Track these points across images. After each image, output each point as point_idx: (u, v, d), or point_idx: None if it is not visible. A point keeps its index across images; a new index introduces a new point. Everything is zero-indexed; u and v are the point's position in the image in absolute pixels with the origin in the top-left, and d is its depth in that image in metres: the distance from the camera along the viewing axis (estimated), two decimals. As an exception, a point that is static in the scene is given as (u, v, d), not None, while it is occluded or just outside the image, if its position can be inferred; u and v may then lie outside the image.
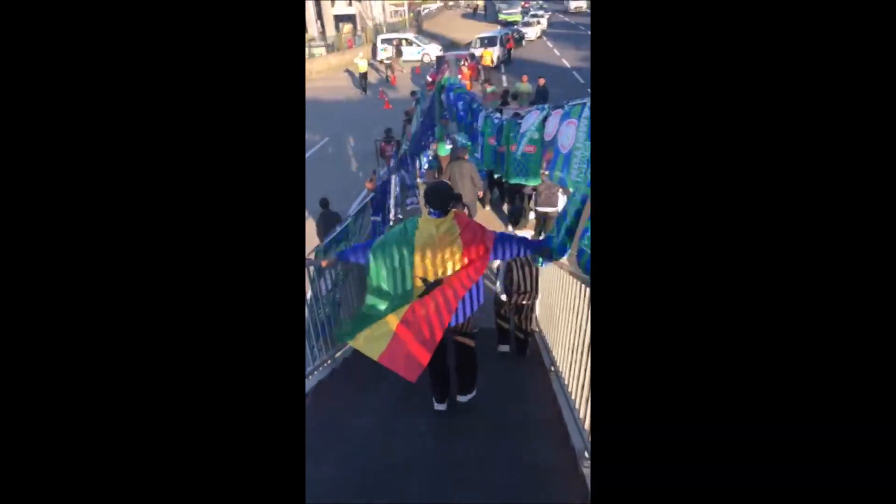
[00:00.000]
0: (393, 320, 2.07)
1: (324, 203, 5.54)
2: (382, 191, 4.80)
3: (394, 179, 5.20)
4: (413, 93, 9.81)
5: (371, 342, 2.08)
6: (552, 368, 3.09)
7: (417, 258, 2.14)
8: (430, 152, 7.40)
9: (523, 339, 3.49)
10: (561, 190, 5.59)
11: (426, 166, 7.27)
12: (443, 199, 2.18)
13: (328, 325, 3.36)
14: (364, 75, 15.66)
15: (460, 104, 6.33)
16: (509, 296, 3.15)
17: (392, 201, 5.38)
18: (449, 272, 2.13)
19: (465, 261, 2.12)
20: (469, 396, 2.55)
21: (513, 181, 3.93)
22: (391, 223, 5.57)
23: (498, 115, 4.77)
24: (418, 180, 6.75)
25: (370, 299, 2.20)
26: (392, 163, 5.47)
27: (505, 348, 3.57)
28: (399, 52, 18.51)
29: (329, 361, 3.33)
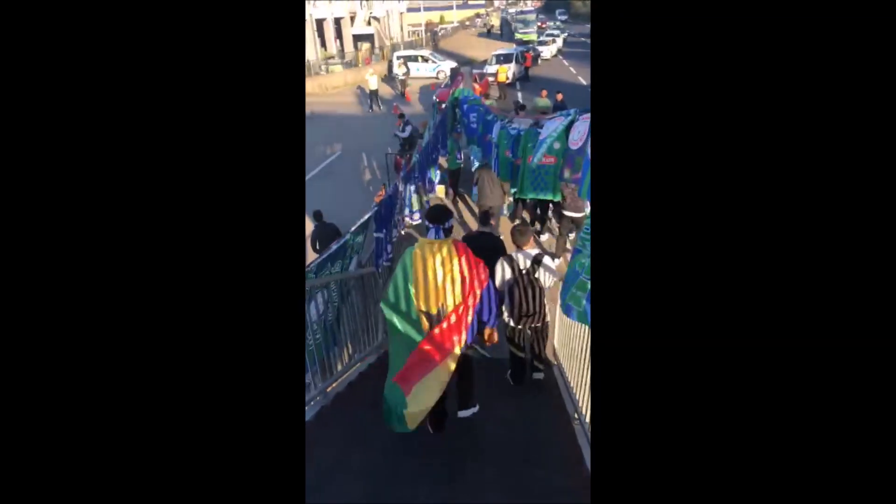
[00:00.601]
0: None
1: (317, 216, 5.22)
2: (388, 205, 4.43)
3: (401, 193, 4.83)
4: (401, 115, 9.45)
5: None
6: (576, 416, 2.62)
7: (413, 289, 2.12)
8: (440, 167, 7.06)
9: (538, 366, 3.16)
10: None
11: (437, 180, 6.91)
12: (441, 215, 2.21)
13: (318, 354, 2.96)
14: (375, 92, 15.35)
15: (472, 115, 5.99)
16: (515, 320, 2.94)
17: (397, 217, 5.00)
18: (449, 303, 2.11)
19: (465, 291, 2.10)
20: (471, 411, 2.50)
21: (528, 196, 3.51)
22: (394, 239, 5.18)
23: (515, 125, 4.42)
24: (430, 194, 6.40)
25: (392, 348, 2.23)
26: (401, 176, 5.10)
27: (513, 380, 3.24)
28: (406, 70, 18.36)
29: (319, 398, 2.91)
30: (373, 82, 15.37)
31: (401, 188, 4.75)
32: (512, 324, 2.96)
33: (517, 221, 6.63)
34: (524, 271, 2.83)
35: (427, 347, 2.07)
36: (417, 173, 5.32)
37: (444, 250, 2.11)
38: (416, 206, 5.47)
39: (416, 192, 5.42)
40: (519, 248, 2.91)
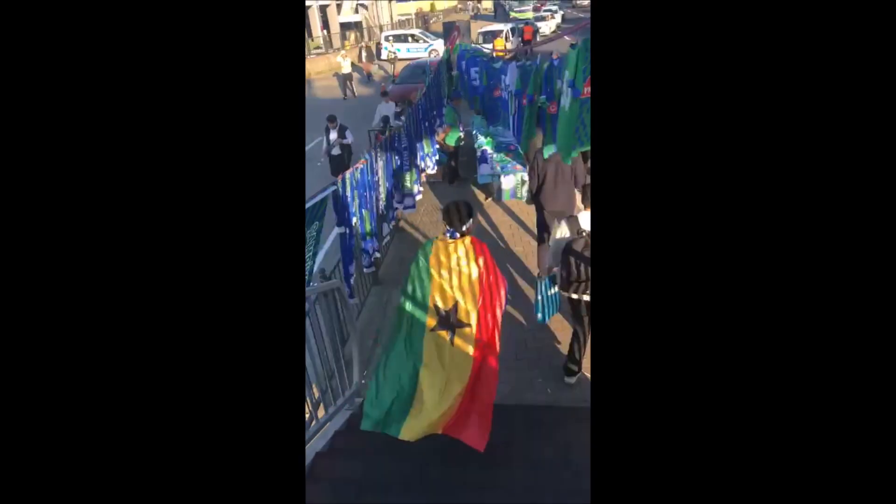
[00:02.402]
0: (436, 396, 1.99)
1: None
2: (361, 186, 3.09)
3: (378, 170, 3.45)
4: (331, 118, 6.45)
5: (424, 422, 1.95)
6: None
7: (433, 285, 2.07)
8: (438, 141, 5.68)
9: (571, 368, 2.91)
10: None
11: (434, 159, 5.52)
12: (457, 216, 2.10)
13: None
14: (349, 76, 14.20)
15: (474, 70, 4.66)
16: (564, 286, 2.71)
17: (375, 202, 3.63)
18: (463, 300, 2.04)
19: (482, 290, 2.03)
20: None
21: (583, 149, 2.17)
22: (386, 237, 3.83)
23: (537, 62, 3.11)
24: (425, 172, 4.99)
25: (391, 342, 2.15)
26: (375, 150, 3.63)
27: (571, 380, 2.95)
28: (370, 56, 17.04)
29: None
30: (346, 65, 14.18)
31: (379, 163, 3.38)
32: (563, 292, 2.74)
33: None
34: (584, 233, 2.58)
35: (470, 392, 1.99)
36: (405, 143, 3.94)
37: (461, 249, 2.06)
38: (408, 187, 4.09)
39: (404, 169, 4.02)
40: (586, 208, 2.62)
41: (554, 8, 26.04)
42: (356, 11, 27.21)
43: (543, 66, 2.85)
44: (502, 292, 2.07)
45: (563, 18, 25.21)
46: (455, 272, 2.03)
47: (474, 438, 1.91)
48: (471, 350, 2.02)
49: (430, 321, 2.04)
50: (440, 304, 2.04)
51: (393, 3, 31.71)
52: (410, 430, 1.93)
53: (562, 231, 2.67)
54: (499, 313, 2.06)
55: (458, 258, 2.03)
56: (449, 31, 8.70)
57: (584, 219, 2.62)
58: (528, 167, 3.93)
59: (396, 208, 4.09)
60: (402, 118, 4.06)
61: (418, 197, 4.32)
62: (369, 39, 23.64)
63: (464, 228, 2.08)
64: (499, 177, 5.48)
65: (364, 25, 26.44)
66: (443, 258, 2.05)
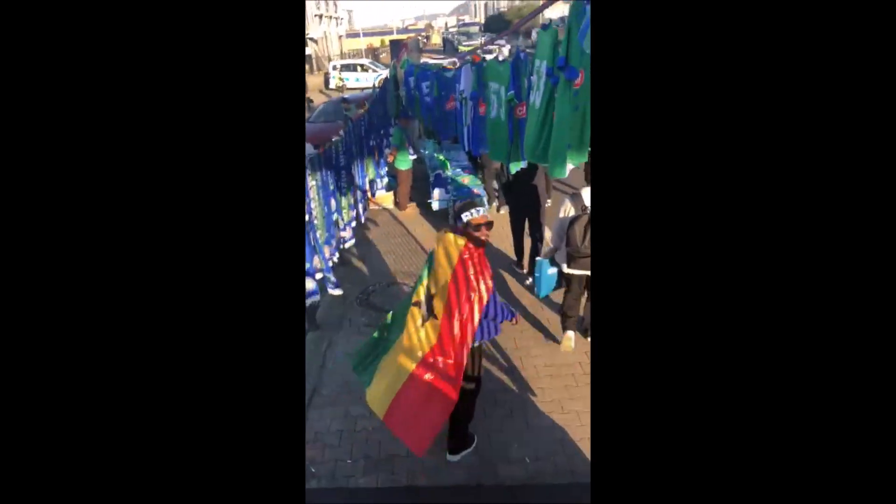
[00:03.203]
0: (392, 365, 2.09)
1: None
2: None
3: (316, 192, 2.81)
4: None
5: (379, 396, 2.08)
6: None
7: (432, 269, 2.12)
8: (386, 163, 5.14)
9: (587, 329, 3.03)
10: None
11: (383, 182, 4.95)
12: (457, 210, 2.18)
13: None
14: None
15: (425, 84, 4.20)
16: (567, 260, 2.69)
17: (311, 231, 2.99)
18: (439, 295, 2.05)
19: (450, 295, 2.01)
20: (460, 455, 2.36)
21: (579, 161, 1.67)
22: (328, 267, 3.16)
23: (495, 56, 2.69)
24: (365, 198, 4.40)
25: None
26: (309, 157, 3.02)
27: (570, 343, 2.97)
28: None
29: None
30: None
31: (311, 183, 2.75)
32: (565, 268, 2.80)
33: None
34: (587, 209, 2.62)
35: (427, 376, 2.01)
36: (342, 162, 3.34)
37: (451, 245, 2.04)
38: (346, 216, 3.47)
39: (343, 191, 3.41)
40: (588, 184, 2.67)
41: (502, 42, 27.08)
42: (306, 45, 27.06)
43: (508, 60, 2.40)
44: (484, 296, 2.02)
45: (510, 52, 26.25)
46: (440, 265, 2.06)
47: (415, 441, 1.98)
48: (433, 340, 2.04)
49: (415, 298, 2.13)
50: (432, 287, 2.09)
51: (343, 38, 32.00)
52: (369, 395, 2.14)
53: (566, 209, 2.76)
54: (469, 327, 2.01)
55: (447, 253, 2.03)
56: (397, 49, 8.36)
57: (587, 195, 2.67)
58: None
59: (340, 240, 3.47)
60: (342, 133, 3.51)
61: (353, 224, 3.72)
62: (317, 70, 23.29)
63: (455, 223, 2.08)
64: (455, 202, 5.01)
65: (314, 57, 26.25)
66: (444, 247, 2.08)
